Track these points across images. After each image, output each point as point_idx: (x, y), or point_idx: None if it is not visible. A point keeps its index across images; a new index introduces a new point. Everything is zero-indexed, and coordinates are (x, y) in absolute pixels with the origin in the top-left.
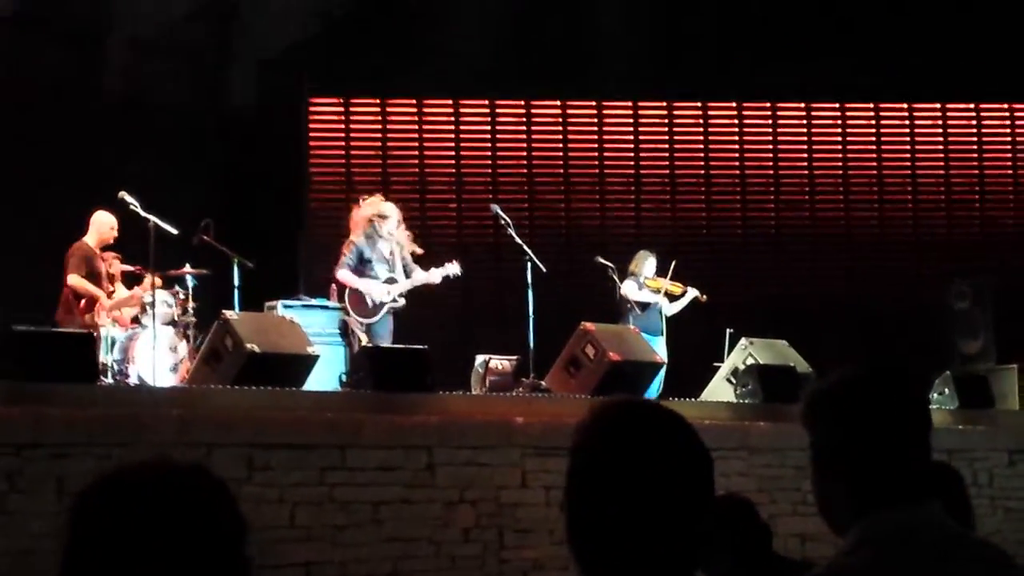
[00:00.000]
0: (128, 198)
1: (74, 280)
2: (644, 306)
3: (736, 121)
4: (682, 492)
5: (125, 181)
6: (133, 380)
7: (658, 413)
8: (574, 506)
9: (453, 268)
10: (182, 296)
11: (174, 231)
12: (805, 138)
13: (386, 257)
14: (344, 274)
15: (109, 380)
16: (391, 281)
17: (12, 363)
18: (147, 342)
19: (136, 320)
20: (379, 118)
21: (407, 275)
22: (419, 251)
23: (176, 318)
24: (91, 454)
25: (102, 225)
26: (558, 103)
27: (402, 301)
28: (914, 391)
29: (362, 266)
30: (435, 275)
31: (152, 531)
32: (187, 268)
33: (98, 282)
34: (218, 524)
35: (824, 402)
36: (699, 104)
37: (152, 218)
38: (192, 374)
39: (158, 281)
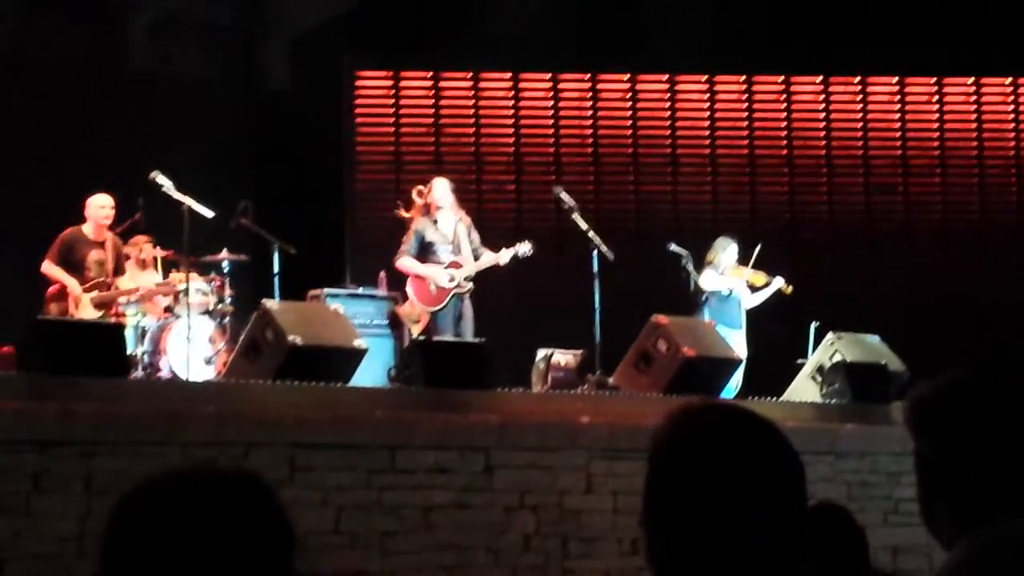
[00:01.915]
0: (160, 179)
1: (45, 267)
2: (722, 297)
3: (822, 96)
4: (773, 503)
5: (158, 163)
6: (165, 373)
7: (745, 418)
8: (654, 521)
9: (523, 248)
10: (218, 283)
11: (210, 214)
12: (897, 115)
13: (449, 238)
14: (404, 261)
15: (139, 373)
16: (455, 265)
17: (36, 355)
18: (180, 333)
19: (168, 308)
20: (431, 93)
21: (475, 257)
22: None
23: (212, 307)
24: (121, 452)
25: (92, 208)
26: (626, 77)
27: (469, 285)
28: None
29: (425, 251)
30: (504, 255)
31: (197, 544)
32: (224, 253)
33: (79, 271)
34: (267, 538)
35: (935, 408)
36: (781, 78)
37: (186, 200)
38: (229, 368)
39: (178, 281)
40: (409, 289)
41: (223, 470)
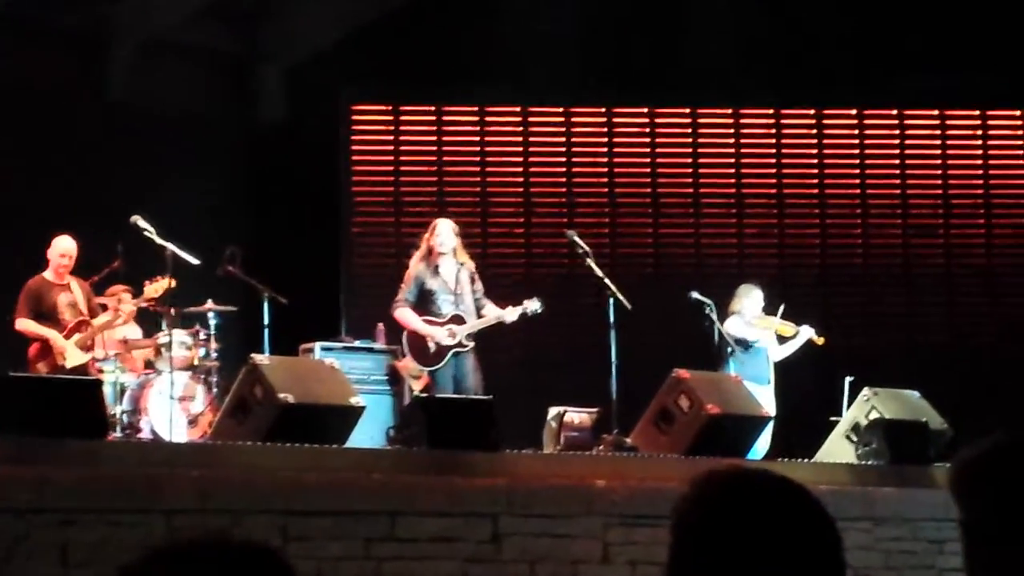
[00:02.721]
0: (142, 223)
1: (20, 324)
2: (748, 347)
3: (857, 131)
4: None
5: (138, 204)
6: (146, 434)
7: (777, 483)
8: None
9: (532, 305)
10: (203, 336)
11: (195, 261)
12: (938, 151)
13: (451, 288)
14: (403, 313)
15: (118, 434)
16: (457, 320)
17: (8, 415)
18: (162, 390)
19: (149, 364)
20: (434, 128)
21: (477, 309)
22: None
23: (196, 362)
24: (101, 521)
25: (54, 250)
26: (645, 110)
27: (470, 344)
28: None
29: (424, 299)
30: (511, 313)
31: None
32: (209, 304)
33: (53, 318)
34: None
35: (981, 472)
36: (812, 111)
37: (169, 246)
38: (215, 428)
39: (171, 283)
40: (404, 343)
41: (237, 543)
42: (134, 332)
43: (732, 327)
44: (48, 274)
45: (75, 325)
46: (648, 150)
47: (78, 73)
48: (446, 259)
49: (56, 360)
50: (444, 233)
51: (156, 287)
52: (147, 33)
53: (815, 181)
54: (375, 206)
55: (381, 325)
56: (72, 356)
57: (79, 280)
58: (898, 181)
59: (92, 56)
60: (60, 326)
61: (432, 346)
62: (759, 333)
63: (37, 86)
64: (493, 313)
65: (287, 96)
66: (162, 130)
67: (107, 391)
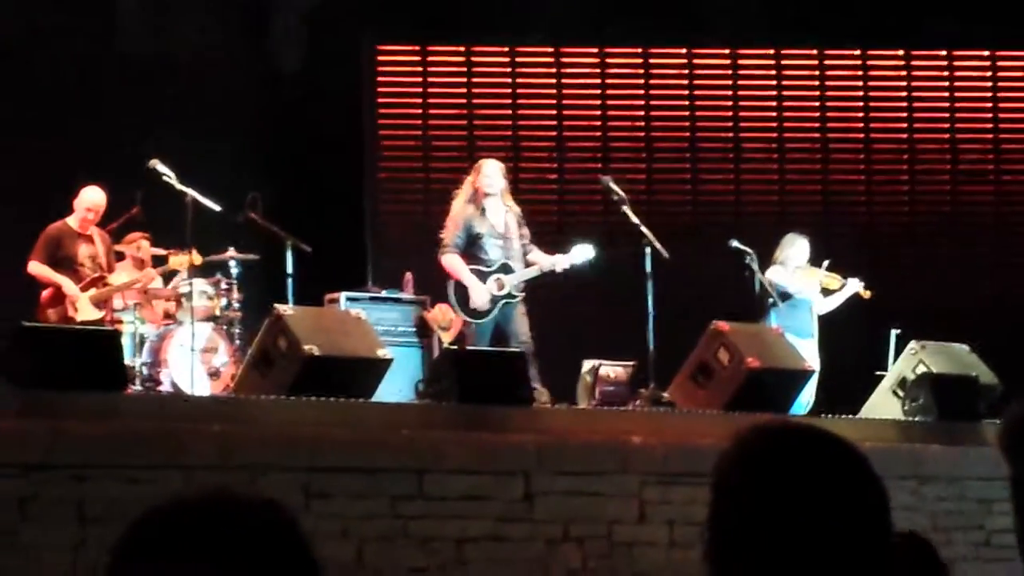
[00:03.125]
0: (160, 167)
1: (32, 267)
2: (790, 299)
3: (904, 73)
4: (853, 536)
5: (157, 150)
6: (166, 387)
7: (822, 439)
8: (720, 555)
9: (586, 252)
10: (225, 286)
11: (216, 207)
12: (989, 93)
13: (499, 230)
14: (452, 260)
15: (137, 387)
16: (505, 269)
17: (22, 366)
18: (183, 342)
19: (169, 315)
20: (463, 70)
21: (524, 254)
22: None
23: (218, 313)
24: (116, 477)
25: (81, 201)
26: (683, 51)
27: (520, 295)
28: None
29: (471, 244)
30: (561, 261)
31: None
32: (231, 252)
33: (71, 268)
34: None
35: None
36: (858, 51)
37: (189, 191)
38: (238, 382)
39: (196, 259)
40: (451, 291)
41: (239, 497)
42: (155, 282)
43: (775, 275)
44: (72, 221)
45: (93, 280)
46: (686, 92)
47: (93, 21)
48: (493, 201)
49: (68, 310)
50: (493, 174)
51: (180, 260)
52: None
53: (860, 125)
54: (402, 152)
55: (409, 274)
56: (84, 310)
57: (102, 232)
58: (947, 125)
59: (106, 4)
60: (77, 277)
61: (481, 296)
62: (802, 284)
63: (49, 35)
64: (544, 261)
65: (307, 39)
66: (179, 77)
67: (125, 342)
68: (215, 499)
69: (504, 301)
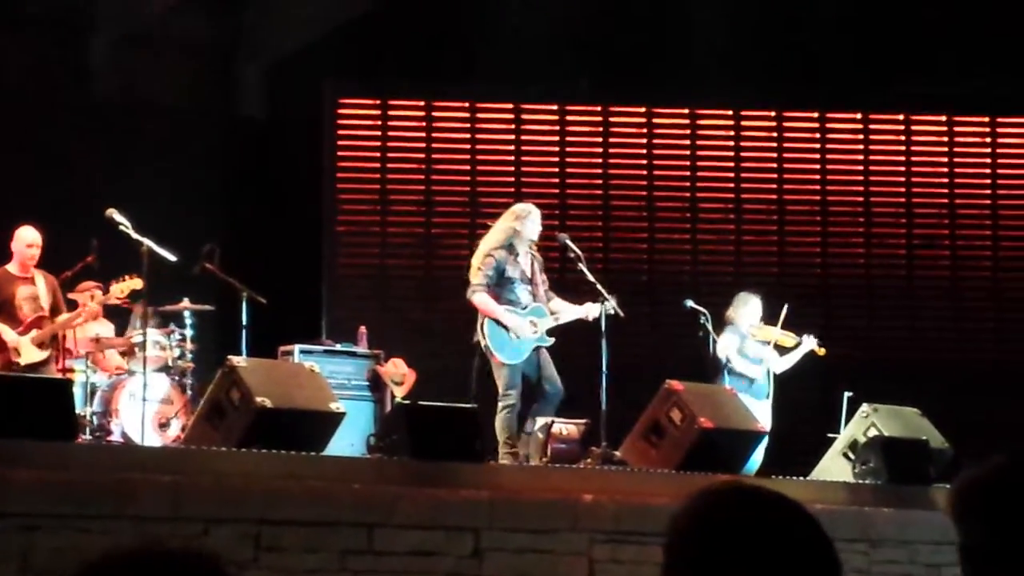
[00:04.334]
0: (117, 217)
1: None
2: (746, 360)
3: (861, 136)
4: None
5: (115, 198)
6: (116, 437)
7: (776, 501)
8: None
9: (613, 304)
10: (178, 336)
11: (172, 257)
12: (945, 159)
13: (528, 276)
14: (483, 298)
15: (88, 437)
16: (536, 312)
17: None
18: (134, 391)
19: (122, 365)
20: (423, 124)
21: (547, 302)
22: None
23: (170, 363)
24: (66, 527)
25: (17, 243)
26: (642, 110)
27: (551, 340)
28: None
29: (500, 287)
30: (593, 310)
31: None
32: (186, 303)
33: (9, 312)
34: None
35: (982, 495)
36: (816, 114)
37: (146, 241)
38: (189, 432)
39: (136, 283)
40: (485, 333)
41: (178, 551)
42: (107, 330)
43: (725, 346)
44: (12, 266)
45: (33, 320)
46: (644, 151)
47: (56, 63)
48: (523, 247)
49: (10, 356)
50: (537, 221)
51: (123, 287)
52: (128, 24)
53: (817, 187)
54: (360, 204)
55: (363, 328)
56: (27, 353)
57: (45, 274)
58: (903, 189)
59: (71, 46)
60: (16, 321)
61: (514, 338)
62: (757, 349)
63: (14, 74)
64: (573, 309)
65: (270, 90)
66: (141, 123)
67: (77, 391)
68: (147, 553)
69: (536, 344)
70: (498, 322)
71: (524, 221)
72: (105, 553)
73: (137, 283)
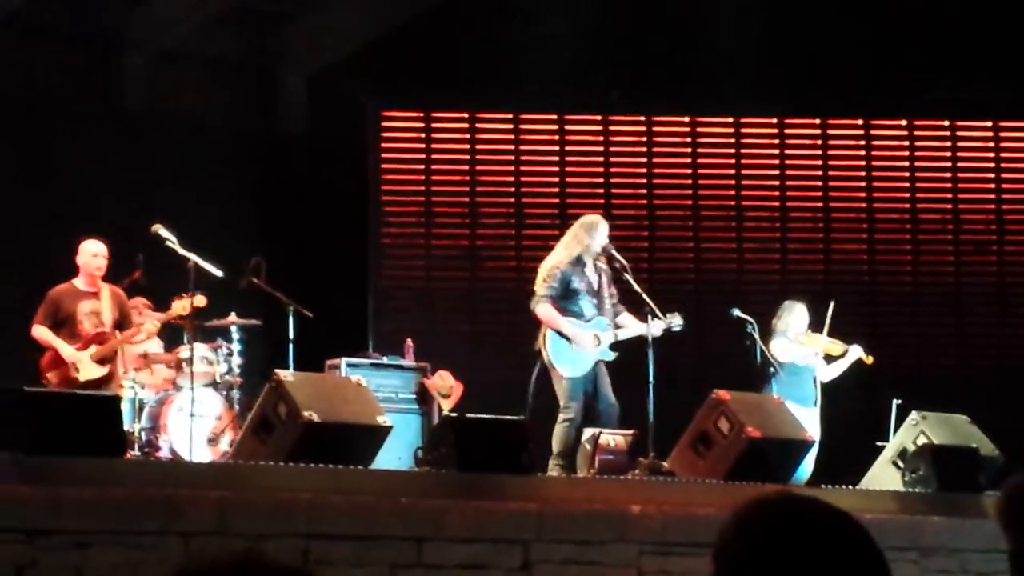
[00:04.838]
0: (163, 232)
1: (35, 331)
2: (794, 369)
3: (907, 143)
4: None
5: (159, 214)
6: (164, 453)
7: (824, 511)
8: None
9: (677, 320)
10: (226, 351)
11: (218, 272)
12: (992, 164)
13: (594, 289)
14: (546, 309)
15: (136, 453)
16: (600, 325)
17: (22, 432)
18: (182, 407)
19: (170, 380)
20: (467, 136)
21: (615, 315)
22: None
23: (218, 378)
24: (118, 543)
25: (83, 255)
26: (686, 119)
27: (613, 355)
28: None
29: (565, 299)
30: (656, 327)
31: None
32: (232, 317)
33: (71, 326)
34: None
35: None
36: (861, 121)
37: (192, 257)
38: (237, 448)
39: (200, 300)
40: (547, 346)
41: (268, 562)
42: (154, 346)
43: (778, 349)
44: (79, 280)
45: (94, 336)
46: (689, 160)
47: (97, 80)
48: (589, 258)
49: (68, 371)
50: (604, 232)
51: (184, 304)
52: (167, 41)
53: (863, 194)
54: (405, 216)
55: (410, 341)
56: (86, 369)
57: (113, 288)
58: (950, 195)
59: (111, 64)
60: (76, 335)
61: (578, 351)
62: (806, 353)
63: (55, 94)
64: (637, 325)
65: (314, 104)
66: (183, 140)
67: (125, 407)
68: (247, 563)
69: (598, 359)
70: (560, 334)
71: (591, 232)
72: (204, 562)
73: (201, 300)
